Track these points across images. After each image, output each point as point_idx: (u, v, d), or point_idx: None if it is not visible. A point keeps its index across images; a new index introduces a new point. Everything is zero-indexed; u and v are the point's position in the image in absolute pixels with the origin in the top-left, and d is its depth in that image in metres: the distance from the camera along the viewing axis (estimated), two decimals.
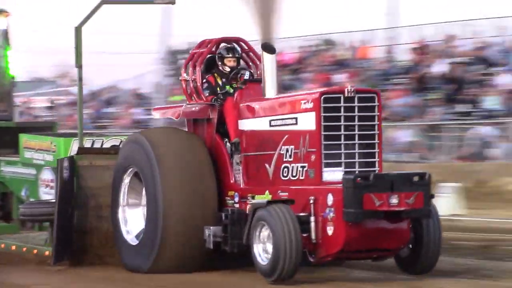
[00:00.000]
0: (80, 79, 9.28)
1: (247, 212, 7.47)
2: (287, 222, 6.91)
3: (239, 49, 8.89)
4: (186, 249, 7.89)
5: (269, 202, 7.16)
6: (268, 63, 8.12)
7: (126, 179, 8.45)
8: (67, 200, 8.41)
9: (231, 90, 8.61)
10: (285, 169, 7.64)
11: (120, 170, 8.46)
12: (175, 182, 7.84)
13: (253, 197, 7.74)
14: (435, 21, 25.18)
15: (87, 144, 9.43)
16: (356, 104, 7.34)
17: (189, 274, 7.95)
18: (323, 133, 7.23)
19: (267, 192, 7.65)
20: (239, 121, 8.17)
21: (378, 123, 7.46)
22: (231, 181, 8.14)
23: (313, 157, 7.25)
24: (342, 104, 7.29)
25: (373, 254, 7.48)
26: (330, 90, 7.50)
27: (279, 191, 7.57)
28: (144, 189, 8.19)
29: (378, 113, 7.46)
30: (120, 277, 8.12)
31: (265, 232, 7.20)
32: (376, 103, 7.43)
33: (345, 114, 7.31)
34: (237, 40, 9.02)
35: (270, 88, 8.09)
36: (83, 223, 8.62)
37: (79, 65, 8.93)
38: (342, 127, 7.32)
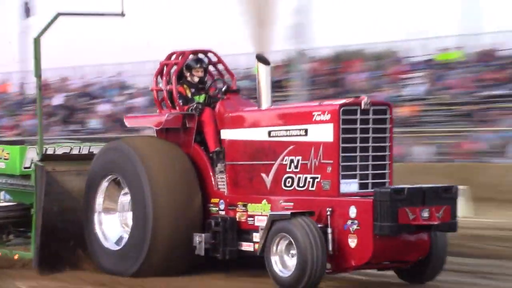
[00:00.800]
0: (40, 88, 9.37)
1: (266, 223, 7.33)
2: (313, 234, 6.86)
3: (206, 60, 8.97)
4: (173, 254, 7.91)
5: (293, 214, 7.06)
6: (263, 74, 8.11)
7: (103, 186, 8.44)
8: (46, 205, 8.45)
9: (201, 100, 8.64)
10: (288, 180, 7.58)
11: (97, 176, 8.44)
12: (163, 189, 7.83)
13: (244, 205, 7.76)
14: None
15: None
16: (371, 116, 7.41)
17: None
18: (341, 145, 7.18)
19: (264, 201, 7.62)
20: (223, 131, 8.18)
21: (389, 135, 7.60)
22: (214, 189, 8.14)
23: (329, 168, 7.21)
24: (358, 116, 7.35)
25: (394, 265, 7.54)
26: (348, 103, 7.39)
27: (281, 201, 7.52)
28: (121, 196, 8.41)
29: (390, 126, 7.60)
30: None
31: (284, 243, 7.14)
32: (388, 116, 7.52)
33: (360, 126, 7.35)
34: (207, 52, 9.06)
35: (266, 99, 8.08)
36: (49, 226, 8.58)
37: (38, 75, 9.08)
38: (358, 139, 7.35)
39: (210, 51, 9.06)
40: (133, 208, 8.06)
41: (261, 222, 7.52)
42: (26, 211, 9.15)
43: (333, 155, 7.18)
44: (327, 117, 7.19)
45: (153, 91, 9.00)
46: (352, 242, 6.94)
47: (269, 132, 7.77)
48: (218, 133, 8.28)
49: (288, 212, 7.14)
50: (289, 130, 7.58)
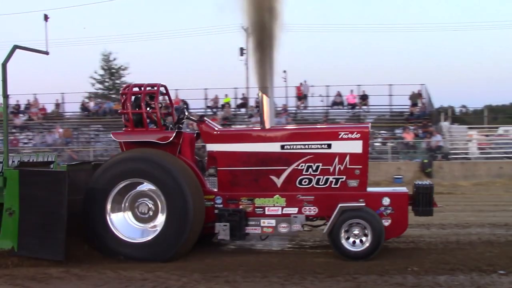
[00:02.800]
0: (7, 107, 10.42)
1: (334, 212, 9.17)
2: (379, 219, 9.25)
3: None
4: (195, 238, 9.49)
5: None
6: (266, 102, 9.98)
7: (115, 190, 9.48)
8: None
9: (167, 123, 10.43)
10: (305, 180, 9.58)
11: (113, 182, 9.46)
12: (192, 189, 9.30)
13: (250, 199, 9.63)
14: None
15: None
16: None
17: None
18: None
19: (277, 196, 9.59)
20: (211, 145, 10.02)
21: None
22: (206, 188, 9.79)
23: (357, 171, 9.47)
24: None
25: None
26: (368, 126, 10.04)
27: (298, 195, 9.56)
28: (128, 197, 9.53)
29: None
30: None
31: (356, 227, 9.13)
32: None
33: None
34: (163, 85, 10.36)
35: (268, 121, 9.97)
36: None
37: (5, 95, 9.87)
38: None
39: (163, 85, 10.41)
40: (168, 205, 9.24)
41: (274, 211, 9.57)
42: None
43: (363, 162, 9.54)
44: (357, 135, 9.52)
45: (123, 114, 10.19)
46: (386, 222, 9.26)
47: (282, 146, 9.70)
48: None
49: (362, 204, 9.30)
50: (308, 144, 9.64)
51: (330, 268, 8.52)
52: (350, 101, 34.22)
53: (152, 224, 9.48)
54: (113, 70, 52.72)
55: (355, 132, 9.55)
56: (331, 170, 9.53)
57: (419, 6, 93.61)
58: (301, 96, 33.45)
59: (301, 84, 35.03)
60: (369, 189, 9.69)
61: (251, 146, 9.83)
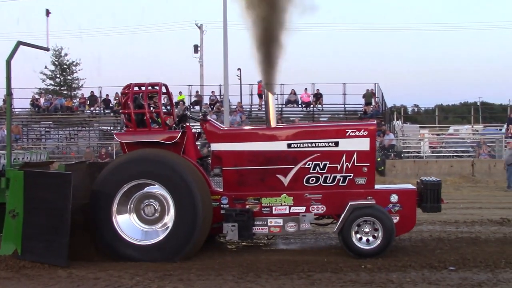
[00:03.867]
0: (10, 105, 10.16)
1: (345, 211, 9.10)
2: (389, 216, 9.24)
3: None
4: (204, 238, 9.38)
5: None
6: (271, 100, 9.96)
7: (122, 191, 9.25)
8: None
9: (169, 123, 10.32)
10: (312, 178, 9.54)
11: (118, 184, 9.23)
12: (200, 189, 9.18)
13: (257, 199, 9.53)
14: None
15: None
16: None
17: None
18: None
19: (284, 195, 9.51)
20: (216, 144, 9.87)
21: None
22: (211, 188, 9.62)
23: (365, 169, 9.46)
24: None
25: None
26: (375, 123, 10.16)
27: (306, 194, 9.48)
28: (168, 197, 9.20)
29: None
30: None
31: (366, 225, 9.11)
32: None
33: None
34: (164, 85, 10.22)
35: (273, 119, 9.92)
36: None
37: (9, 93, 9.79)
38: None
39: (164, 84, 10.23)
40: (176, 206, 9.08)
41: (281, 211, 9.49)
42: None
43: (370, 159, 9.59)
44: (364, 133, 9.53)
45: (125, 113, 10.07)
46: (395, 219, 9.26)
47: (289, 144, 9.63)
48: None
49: (373, 202, 9.28)
50: (315, 142, 9.59)
51: (284, 266, 8.54)
52: (304, 99, 34.45)
53: (159, 225, 9.29)
54: (65, 66, 51.71)
55: (363, 130, 9.55)
56: (339, 168, 9.52)
57: (373, 6, 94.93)
58: (261, 94, 33.43)
59: (260, 82, 35.07)
60: (377, 186, 9.74)
61: (257, 145, 9.74)
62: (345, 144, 9.51)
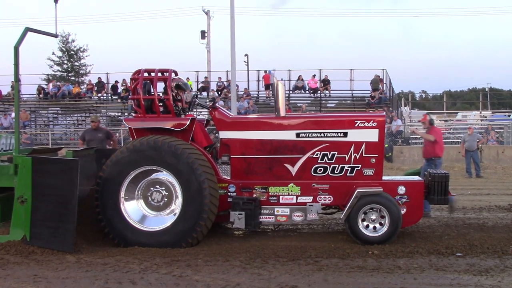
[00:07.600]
0: (18, 91, 10.08)
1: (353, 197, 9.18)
2: (396, 203, 9.26)
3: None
4: (210, 224, 9.38)
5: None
6: (281, 89, 9.92)
7: (130, 177, 9.33)
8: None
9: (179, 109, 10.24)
10: (320, 168, 9.58)
11: (127, 169, 9.31)
12: (208, 176, 9.21)
13: (264, 188, 9.53)
14: None
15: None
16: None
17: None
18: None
19: (291, 184, 9.51)
20: (225, 132, 9.90)
21: None
22: (219, 176, 9.67)
23: (373, 160, 9.50)
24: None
25: None
26: (384, 114, 10.18)
27: (313, 184, 9.49)
28: (175, 184, 9.27)
29: None
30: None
31: (373, 212, 9.18)
32: None
33: None
34: (174, 71, 10.22)
35: (282, 108, 9.83)
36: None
37: (17, 80, 9.71)
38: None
39: (174, 70, 10.26)
40: (184, 193, 9.14)
41: (288, 200, 9.48)
42: None
43: (378, 150, 9.56)
44: (373, 124, 9.48)
45: (134, 99, 10.04)
46: (402, 210, 9.30)
47: (298, 134, 9.64)
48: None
49: (380, 189, 9.29)
50: (324, 132, 9.59)
51: (292, 252, 8.55)
52: (311, 85, 34.38)
53: (167, 212, 9.37)
54: (72, 52, 51.78)
55: (372, 121, 9.52)
56: (347, 158, 9.51)
57: None
58: (269, 85, 33.36)
59: (268, 72, 34.96)
60: (384, 177, 9.72)
61: (266, 134, 9.75)
62: (354, 135, 9.50)
